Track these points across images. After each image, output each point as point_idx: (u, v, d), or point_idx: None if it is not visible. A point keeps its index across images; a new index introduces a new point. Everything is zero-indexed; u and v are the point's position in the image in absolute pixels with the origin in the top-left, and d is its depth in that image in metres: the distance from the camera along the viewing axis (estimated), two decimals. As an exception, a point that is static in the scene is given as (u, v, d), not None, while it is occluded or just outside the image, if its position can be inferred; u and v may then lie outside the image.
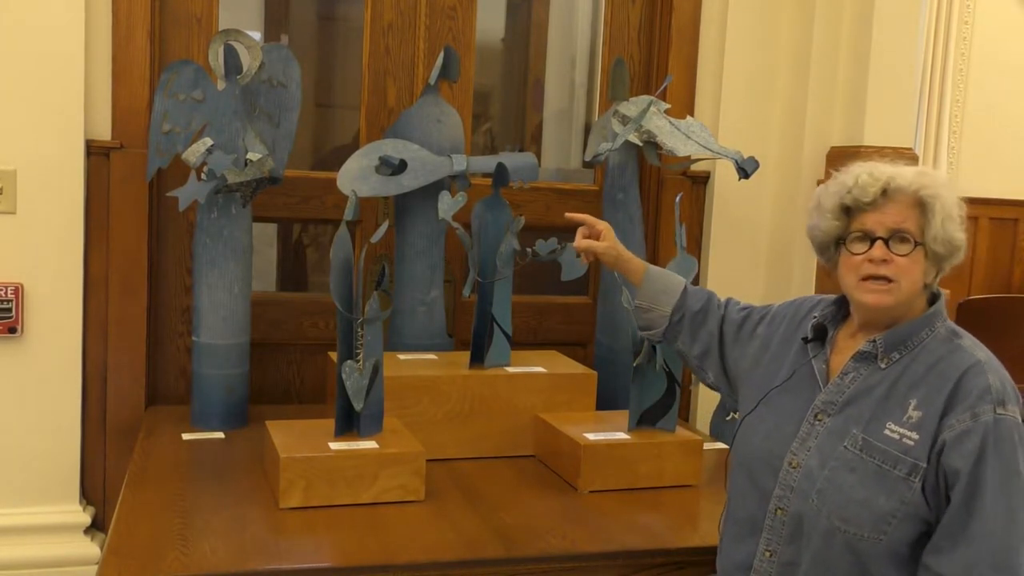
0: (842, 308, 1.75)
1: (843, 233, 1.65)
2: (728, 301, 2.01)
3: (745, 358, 1.88)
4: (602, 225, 2.10)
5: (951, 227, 1.60)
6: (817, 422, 1.64)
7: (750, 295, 3.03)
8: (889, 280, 1.58)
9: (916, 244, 1.58)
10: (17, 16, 2.44)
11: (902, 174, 1.61)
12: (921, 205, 1.59)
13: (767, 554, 1.65)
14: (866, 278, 1.60)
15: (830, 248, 1.70)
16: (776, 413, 1.71)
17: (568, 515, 2.06)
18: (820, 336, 1.73)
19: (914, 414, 1.56)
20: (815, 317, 1.75)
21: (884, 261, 1.58)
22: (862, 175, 1.62)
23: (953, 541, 1.48)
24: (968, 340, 1.63)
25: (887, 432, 1.56)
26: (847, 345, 1.70)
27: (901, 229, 1.58)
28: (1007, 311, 4.45)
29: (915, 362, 1.60)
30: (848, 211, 1.64)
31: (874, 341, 1.63)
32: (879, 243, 1.59)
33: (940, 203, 1.58)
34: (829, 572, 1.57)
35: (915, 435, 1.54)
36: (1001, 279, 5.70)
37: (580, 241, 2.10)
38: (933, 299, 1.66)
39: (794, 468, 1.62)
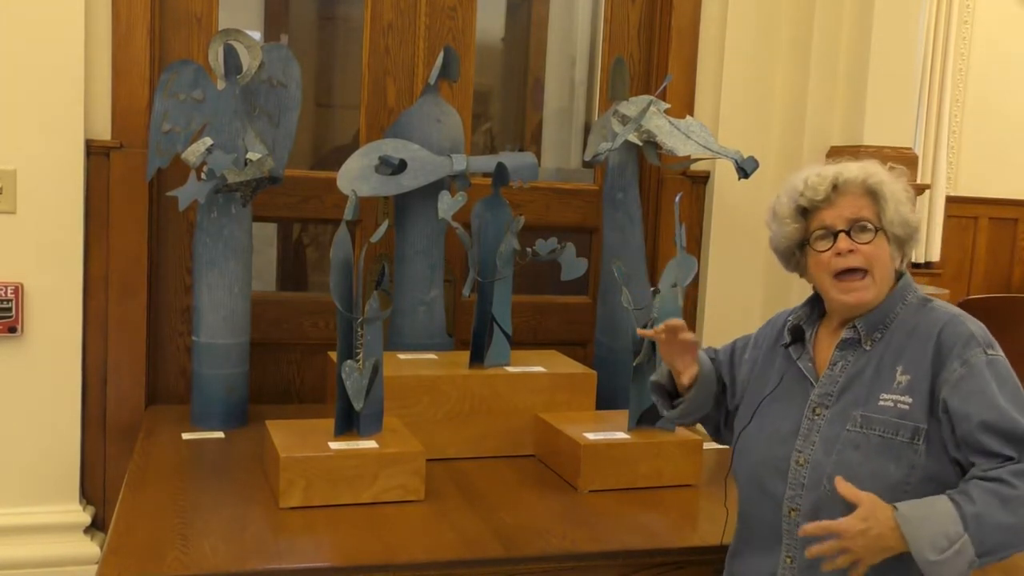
0: (815, 308, 1.77)
1: (804, 235, 1.69)
2: (711, 351, 1.98)
3: (739, 384, 1.87)
4: (690, 335, 1.82)
5: (904, 210, 1.66)
6: (816, 416, 1.65)
7: (749, 295, 3.04)
8: (863, 272, 1.62)
9: (877, 230, 1.63)
10: (17, 16, 2.44)
11: (848, 168, 1.67)
12: (872, 193, 1.65)
13: (788, 560, 1.65)
14: (839, 274, 1.63)
15: (795, 254, 1.73)
16: (773, 419, 1.72)
17: (568, 515, 2.06)
18: (799, 337, 1.75)
19: (903, 379, 1.60)
20: (789, 321, 1.77)
21: (851, 251, 1.62)
22: (810, 176, 1.67)
23: (1012, 460, 1.48)
24: (939, 302, 1.68)
25: (881, 403, 1.59)
26: (829, 341, 1.72)
27: (859, 218, 1.63)
28: (1007, 311, 4.45)
29: (895, 334, 1.64)
30: (804, 212, 1.69)
31: (854, 326, 1.66)
32: (842, 235, 1.63)
33: (888, 188, 1.65)
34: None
35: (908, 399, 1.57)
36: (1001, 278, 5.71)
37: (685, 369, 1.82)
38: (899, 277, 1.71)
39: (801, 465, 1.63)
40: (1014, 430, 1.49)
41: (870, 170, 1.67)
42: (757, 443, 1.72)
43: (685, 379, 1.83)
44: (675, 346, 1.82)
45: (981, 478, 1.48)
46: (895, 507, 1.47)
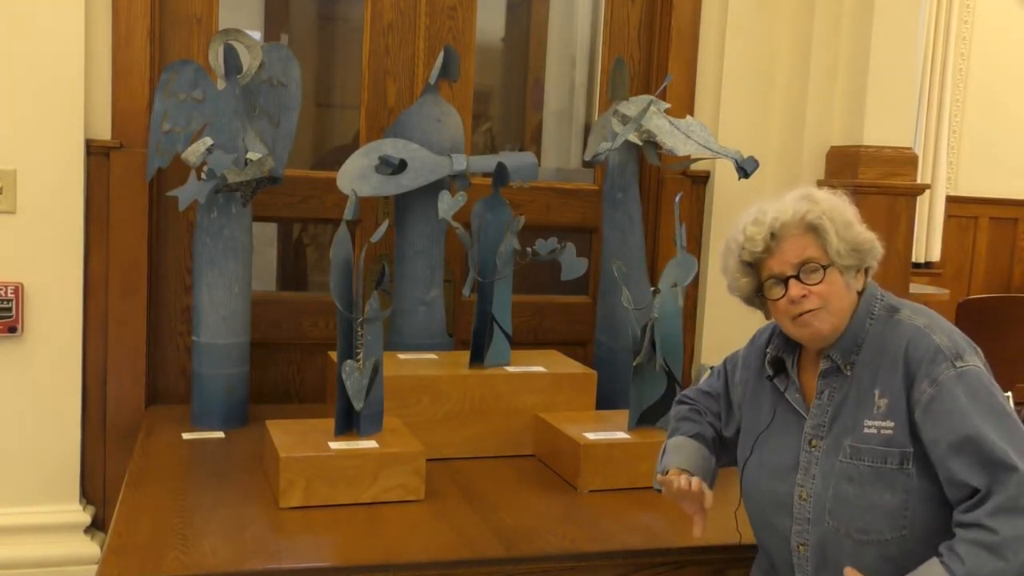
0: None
1: (758, 284, 1.66)
2: (701, 390, 1.94)
3: (735, 407, 1.84)
4: (710, 500, 1.72)
5: (851, 233, 1.61)
6: (813, 448, 1.63)
7: (750, 295, 3.04)
8: (816, 309, 1.59)
9: (825, 267, 1.59)
10: (17, 16, 2.44)
11: (783, 209, 1.61)
12: (813, 229, 1.60)
13: None
14: (796, 317, 1.61)
15: (755, 299, 1.70)
16: (772, 454, 1.70)
17: (568, 515, 2.06)
18: (781, 368, 1.72)
19: (881, 403, 1.57)
20: (768, 353, 1.74)
21: (804, 296, 1.59)
22: (748, 227, 1.63)
23: (982, 496, 1.45)
24: (907, 311, 1.63)
25: (866, 430, 1.57)
26: (813, 368, 1.69)
27: (805, 260, 1.59)
28: (1007, 311, 4.45)
29: (868, 353, 1.61)
30: (751, 265, 1.65)
31: (829, 356, 1.64)
32: (792, 281, 1.59)
33: (828, 218, 1.60)
34: None
35: (890, 423, 1.55)
36: (1000, 278, 5.71)
37: (691, 515, 1.74)
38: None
39: (805, 500, 1.62)
40: (981, 451, 1.45)
41: (805, 205, 1.61)
42: (759, 478, 1.70)
43: (696, 532, 1.73)
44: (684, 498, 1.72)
45: (961, 525, 1.46)
46: None
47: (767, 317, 1.74)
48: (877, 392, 1.58)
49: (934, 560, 1.46)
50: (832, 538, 1.57)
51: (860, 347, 1.62)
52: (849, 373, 1.62)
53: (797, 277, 1.59)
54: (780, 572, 1.71)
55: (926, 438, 1.51)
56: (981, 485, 1.45)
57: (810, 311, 1.59)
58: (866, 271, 1.66)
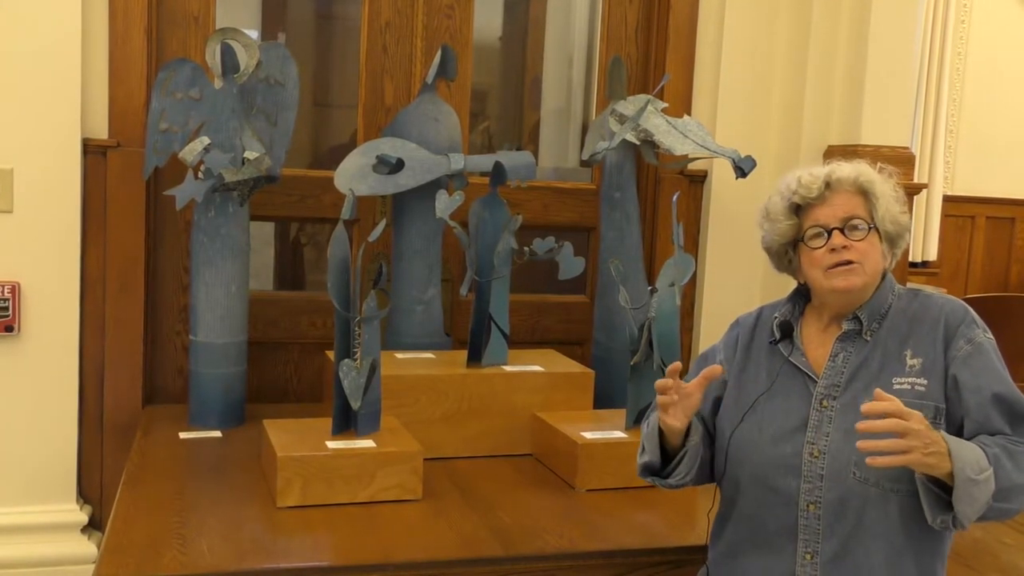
0: (798, 305, 1.78)
1: (797, 233, 1.72)
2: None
3: (720, 388, 1.81)
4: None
5: (894, 208, 1.71)
6: (825, 408, 1.65)
7: (747, 293, 3.04)
8: (853, 262, 1.65)
9: (870, 228, 1.67)
10: (14, 15, 2.43)
11: (840, 167, 1.71)
12: (864, 192, 1.69)
13: (808, 556, 1.64)
14: (832, 267, 1.66)
15: (788, 252, 1.76)
16: (773, 418, 1.70)
17: (565, 514, 2.06)
18: (787, 334, 1.75)
19: (914, 362, 1.64)
20: (776, 317, 1.77)
21: (844, 247, 1.65)
22: (803, 175, 1.71)
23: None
24: (930, 289, 1.76)
25: (896, 387, 1.62)
26: (819, 337, 1.73)
27: (852, 216, 1.67)
28: (1004, 310, 4.46)
29: (894, 322, 1.69)
30: (798, 210, 1.72)
31: (856, 317, 1.69)
32: (836, 232, 1.67)
33: (879, 188, 1.70)
34: (890, 544, 1.59)
35: (923, 380, 1.62)
36: (998, 278, 5.72)
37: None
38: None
39: (816, 457, 1.63)
40: (1015, 407, 1.59)
41: (861, 169, 1.71)
42: (759, 444, 1.69)
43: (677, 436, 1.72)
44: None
45: (989, 435, 1.58)
46: (940, 432, 1.52)
47: (792, 275, 1.78)
48: (908, 353, 1.65)
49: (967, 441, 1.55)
50: (857, 491, 1.60)
51: (884, 316, 1.69)
52: (869, 339, 1.68)
53: (841, 230, 1.66)
54: (769, 543, 1.68)
55: (966, 385, 1.60)
56: (1011, 433, 1.59)
57: (847, 264, 1.65)
58: (892, 258, 1.74)
